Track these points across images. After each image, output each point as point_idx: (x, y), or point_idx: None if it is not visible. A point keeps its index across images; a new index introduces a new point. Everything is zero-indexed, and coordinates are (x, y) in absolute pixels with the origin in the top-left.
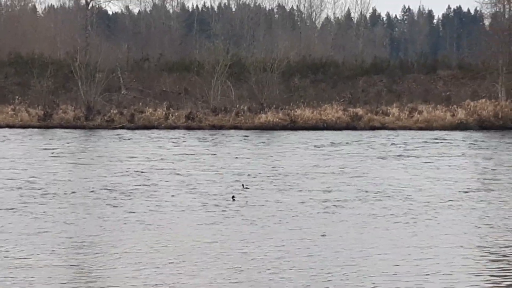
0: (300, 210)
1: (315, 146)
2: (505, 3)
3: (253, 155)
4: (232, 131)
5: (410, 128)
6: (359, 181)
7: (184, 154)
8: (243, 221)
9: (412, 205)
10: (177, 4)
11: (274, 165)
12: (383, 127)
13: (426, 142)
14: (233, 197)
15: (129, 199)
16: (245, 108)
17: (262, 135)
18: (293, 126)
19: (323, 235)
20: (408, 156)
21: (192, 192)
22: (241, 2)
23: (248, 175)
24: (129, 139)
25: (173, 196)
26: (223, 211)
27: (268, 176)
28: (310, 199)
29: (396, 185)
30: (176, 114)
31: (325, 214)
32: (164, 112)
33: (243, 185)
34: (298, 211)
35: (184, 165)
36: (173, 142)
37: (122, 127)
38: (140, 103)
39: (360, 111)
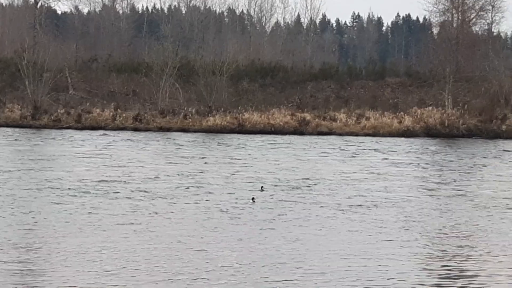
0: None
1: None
2: (453, 12)
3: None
4: (179, 134)
5: (357, 134)
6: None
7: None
8: (204, 221)
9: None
10: (127, 5)
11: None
12: (330, 132)
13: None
14: (253, 198)
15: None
16: (193, 110)
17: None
18: (241, 129)
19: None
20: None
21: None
22: (191, 4)
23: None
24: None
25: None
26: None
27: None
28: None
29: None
30: (124, 115)
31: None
32: (111, 113)
33: (262, 187)
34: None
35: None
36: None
37: (69, 127)
38: (88, 104)
39: (308, 116)
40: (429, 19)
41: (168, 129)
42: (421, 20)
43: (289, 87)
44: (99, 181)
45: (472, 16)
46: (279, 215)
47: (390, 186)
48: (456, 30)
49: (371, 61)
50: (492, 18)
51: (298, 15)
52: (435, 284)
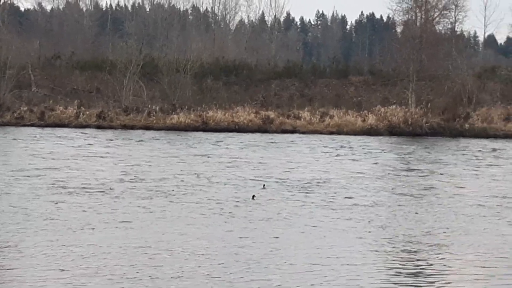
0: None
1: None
2: (416, 11)
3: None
4: (142, 131)
5: (321, 132)
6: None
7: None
8: (158, 220)
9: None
10: (91, 2)
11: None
12: (294, 130)
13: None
14: (253, 196)
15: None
16: (157, 108)
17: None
18: (205, 127)
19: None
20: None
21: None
22: (155, 2)
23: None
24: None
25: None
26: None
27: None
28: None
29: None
30: (87, 113)
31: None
32: (75, 111)
33: (264, 186)
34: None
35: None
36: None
37: (32, 125)
38: (51, 101)
39: (272, 114)
40: (393, 18)
41: (132, 127)
42: (385, 18)
43: (253, 85)
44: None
45: (435, 15)
46: (278, 213)
47: (364, 187)
48: (420, 29)
49: (335, 59)
50: (455, 17)
51: (263, 13)
52: (402, 282)
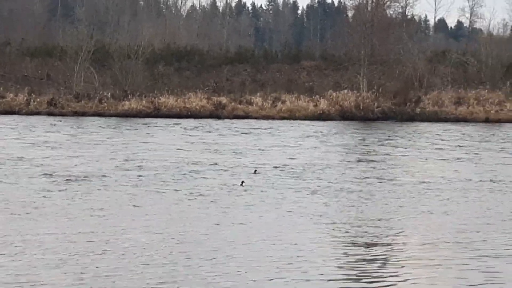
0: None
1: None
2: None
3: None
4: (95, 118)
5: (273, 118)
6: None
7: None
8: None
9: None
10: None
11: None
12: (246, 116)
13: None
14: (242, 182)
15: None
16: (109, 94)
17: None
18: (157, 113)
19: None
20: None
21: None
22: None
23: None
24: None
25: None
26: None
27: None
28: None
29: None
30: (38, 99)
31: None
32: (25, 98)
33: (255, 171)
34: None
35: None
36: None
37: None
38: (1, 88)
39: (224, 100)
40: (344, 3)
41: (83, 114)
42: (336, 3)
43: (205, 71)
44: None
45: (386, 0)
46: (261, 200)
47: (323, 174)
48: (371, 13)
49: (287, 44)
50: (406, 1)
51: None
52: (355, 268)
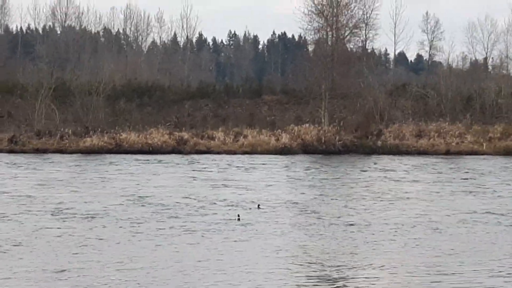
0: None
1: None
2: (328, 30)
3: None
4: (56, 155)
5: (235, 152)
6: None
7: None
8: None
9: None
10: (1, 25)
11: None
12: (208, 151)
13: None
14: (238, 216)
15: None
16: (70, 131)
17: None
18: (119, 149)
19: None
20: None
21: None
22: (66, 24)
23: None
24: None
25: None
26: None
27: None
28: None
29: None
30: None
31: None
32: None
33: (258, 206)
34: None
35: None
36: None
37: None
38: None
39: (186, 135)
40: (305, 37)
41: (45, 151)
42: (296, 38)
43: (166, 106)
44: None
45: (346, 34)
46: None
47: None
48: (331, 47)
49: (248, 79)
50: (366, 35)
51: (175, 34)
52: None
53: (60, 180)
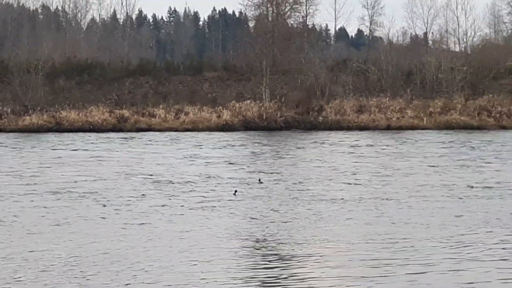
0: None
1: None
2: (268, 6)
3: None
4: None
5: (176, 130)
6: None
7: None
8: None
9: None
10: None
11: None
12: (149, 128)
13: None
14: (235, 191)
15: None
16: (9, 110)
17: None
18: (59, 128)
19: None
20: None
21: None
22: (3, 2)
23: None
24: None
25: None
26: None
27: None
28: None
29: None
30: None
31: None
32: None
33: (259, 180)
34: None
35: None
36: None
37: None
38: None
39: (126, 112)
40: (245, 13)
41: None
42: (237, 14)
43: (106, 84)
44: None
45: (286, 10)
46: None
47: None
48: (272, 23)
49: (189, 56)
50: (306, 11)
51: (114, 11)
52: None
53: None
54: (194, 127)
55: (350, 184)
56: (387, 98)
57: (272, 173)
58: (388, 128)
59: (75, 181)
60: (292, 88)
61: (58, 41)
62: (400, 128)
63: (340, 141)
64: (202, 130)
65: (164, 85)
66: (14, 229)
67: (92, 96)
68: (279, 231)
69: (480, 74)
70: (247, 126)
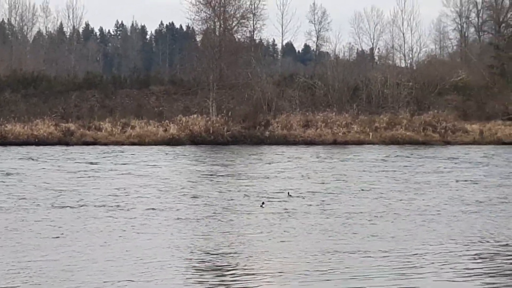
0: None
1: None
2: (215, 20)
3: None
4: None
5: (122, 143)
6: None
7: None
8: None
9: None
10: None
11: None
12: (95, 142)
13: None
14: (262, 203)
15: None
16: None
17: None
18: (3, 141)
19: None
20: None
21: None
22: None
23: None
24: None
25: None
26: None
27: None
28: None
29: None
30: None
31: None
32: None
33: (288, 193)
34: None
35: None
36: None
37: None
38: None
39: (72, 126)
40: (192, 28)
41: None
42: (184, 28)
43: (53, 97)
44: None
45: (234, 24)
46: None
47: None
48: (219, 38)
49: (136, 69)
50: (253, 26)
51: (61, 24)
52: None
53: None
54: (141, 141)
55: (304, 199)
56: (334, 113)
57: (220, 185)
58: (335, 142)
59: None
60: (239, 102)
61: (3, 54)
62: (346, 143)
63: (282, 155)
64: (149, 144)
65: (110, 99)
66: None
67: (38, 109)
68: (227, 243)
69: (425, 89)
70: (194, 140)
